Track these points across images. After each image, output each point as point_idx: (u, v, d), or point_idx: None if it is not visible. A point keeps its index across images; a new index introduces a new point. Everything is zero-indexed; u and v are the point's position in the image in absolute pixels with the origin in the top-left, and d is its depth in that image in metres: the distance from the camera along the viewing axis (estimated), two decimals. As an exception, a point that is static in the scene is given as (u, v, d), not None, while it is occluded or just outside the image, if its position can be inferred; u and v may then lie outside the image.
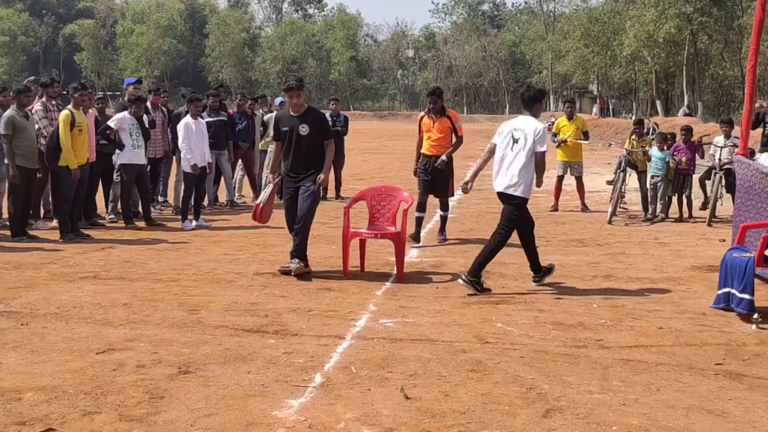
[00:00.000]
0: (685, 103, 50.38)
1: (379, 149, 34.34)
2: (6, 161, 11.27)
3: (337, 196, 16.74)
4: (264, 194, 9.64)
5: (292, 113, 9.28)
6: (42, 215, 12.89)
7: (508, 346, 6.42)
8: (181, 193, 13.68)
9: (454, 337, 6.70)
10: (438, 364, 5.95)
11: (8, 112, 11.30)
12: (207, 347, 6.30)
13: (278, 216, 9.79)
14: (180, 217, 13.09)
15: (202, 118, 13.43)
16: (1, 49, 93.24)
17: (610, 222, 13.37)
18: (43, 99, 12.58)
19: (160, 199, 15.11)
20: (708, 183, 14.21)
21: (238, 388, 5.38)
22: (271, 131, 11.47)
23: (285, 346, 6.36)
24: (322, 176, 9.24)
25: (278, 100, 17.44)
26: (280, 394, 5.26)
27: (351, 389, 5.39)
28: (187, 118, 12.93)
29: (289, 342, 6.50)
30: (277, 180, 9.51)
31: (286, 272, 9.01)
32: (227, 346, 6.33)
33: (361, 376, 5.67)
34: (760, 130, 13.99)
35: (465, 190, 8.99)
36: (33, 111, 12.14)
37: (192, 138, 12.71)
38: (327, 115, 16.77)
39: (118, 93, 15.61)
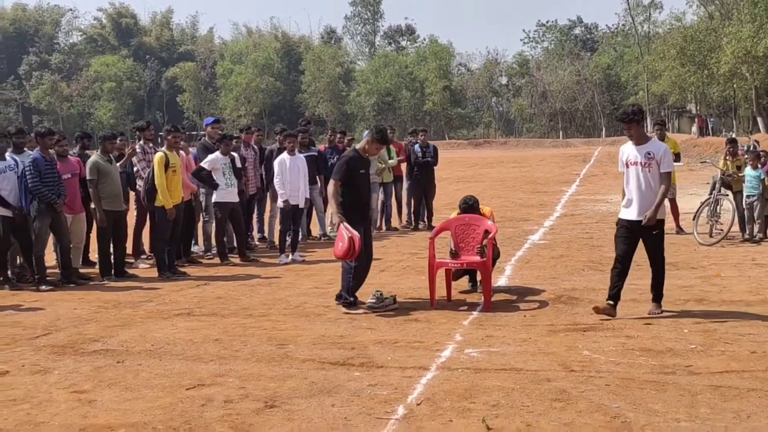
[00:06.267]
0: (789, 118, 48.87)
1: (473, 177, 34.30)
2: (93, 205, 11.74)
3: (429, 226, 16.79)
4: (350, 230, 9.10)
5: (366, 155, 9.59)
6: (146, 255, 13.32)
7: (594, 374, 6.34)
8: (276, 228, 13.96)
9: (538, 365, 6.65)
10: (521, 393, 5.92)
11: (93, 158, 11.78)
12: (293, 381, 6.41)
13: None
14: (274, 251, 13.33)
15: (301, 153, 13.73)
16: (109, 95, 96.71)
17: (704, 243, 13.07)
18: (141, 142, 13.07)
19: (257, 235, 15.41)
20: (807, 201, 13.74)
21: (321, 421, 5.45)
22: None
23: (369, 379, 6.42)
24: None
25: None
26: (363, 428, 5.31)
27: (433, 421, 5.40)
28: (283, 155, 13.22)
29: (374, 374, 6.56)
30: None
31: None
32: (313, 380, 6.42)
33: (443, 407, 5.67)
34: None
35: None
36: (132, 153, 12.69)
37: (286, 174, 12.98)
38: (416, 146, 17.00)
39: (203, 134, 16.20)
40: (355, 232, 8.96)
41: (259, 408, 5.77)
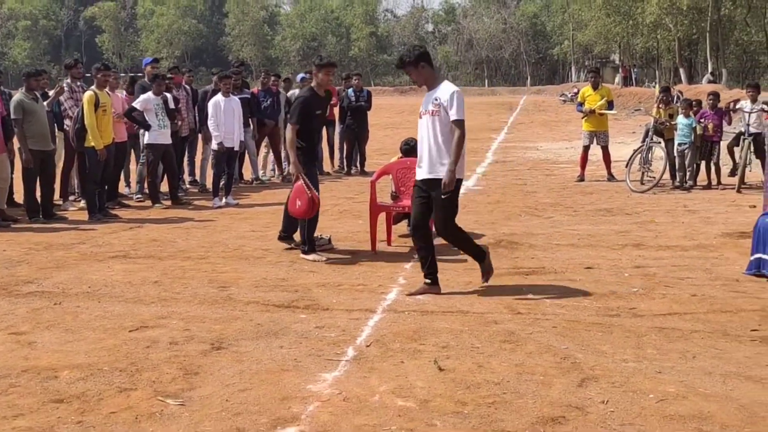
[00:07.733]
0: (709, 69, 49.75)
1: (401, 124, 34.17)
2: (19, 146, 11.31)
3: (362, 171, 16.73)
4: (311, 189, 8.57)
5: (320, 93, 8.97)
6: (74, 196, 12.98)
7: (540, 317, 6.39)
8: (207, 172, 13.71)
9: (485, 308, 6.67)
10: (470, 335, 5.92)
11: (17, 96, 11.34)
12: (238, 323, 6.31)
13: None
14: (206, 195, 13.11)
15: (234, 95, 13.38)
16: (24, 33, 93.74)
17: (636, 190, 13.31)
18: (69, 80, 12.63)
19: (188, 178, 15.13)
20: (736, 150, 14.05)
21: (271, 363, 5.38)
22: None
23: (316, 321, 6.35)
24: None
25: (300, 76, 17.29)
26: (314, 368, 5.25)
27: (384, 362, 5.37)
28: (218, 96, 12.91)
29: (320, 316, 6.49)
30: None
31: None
32: (258, 322, 6.33)
33: (393, 348, 5.65)
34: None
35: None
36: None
37: (220, 116, 12.69)
38: (350, 90, 16.82)
39: (141, 75, 15.69)
40: (315, 192, 8.58)
41: (206, 350, 5.66)
